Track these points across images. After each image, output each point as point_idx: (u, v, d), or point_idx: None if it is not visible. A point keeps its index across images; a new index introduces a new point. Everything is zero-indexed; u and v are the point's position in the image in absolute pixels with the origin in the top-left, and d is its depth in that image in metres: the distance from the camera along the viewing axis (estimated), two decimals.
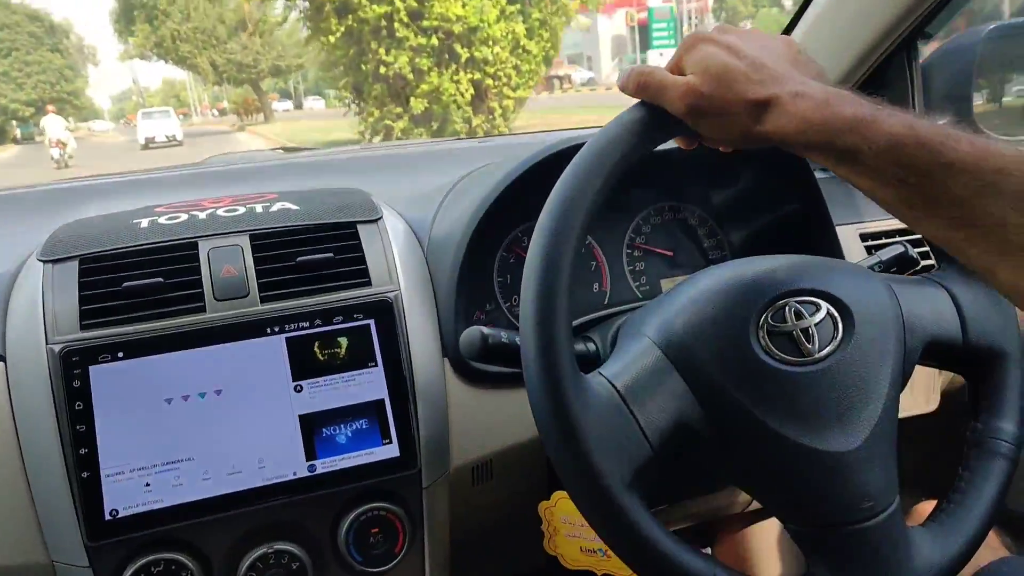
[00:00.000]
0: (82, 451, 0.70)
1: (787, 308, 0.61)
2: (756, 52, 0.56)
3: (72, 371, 0.71)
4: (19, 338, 0.73)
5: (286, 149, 1.33)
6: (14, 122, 38.39)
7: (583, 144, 0.84)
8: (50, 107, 17.47)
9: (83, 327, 0.73)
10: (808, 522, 0.60)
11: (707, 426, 0.59)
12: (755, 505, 1.05)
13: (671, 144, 0.65)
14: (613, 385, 0.59)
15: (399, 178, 1.09)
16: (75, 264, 0.76)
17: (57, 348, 0.71)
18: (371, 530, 0.77)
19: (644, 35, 30.65)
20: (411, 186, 1.02)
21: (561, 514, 0.86)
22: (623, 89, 0.61)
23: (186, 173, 1.19)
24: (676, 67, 0.60)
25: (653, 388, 0.59)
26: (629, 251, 1.03)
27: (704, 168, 1.02)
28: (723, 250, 1.06)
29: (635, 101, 0.61)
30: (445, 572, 0.86)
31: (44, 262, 0.77)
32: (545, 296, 0.56)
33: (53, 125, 16.25)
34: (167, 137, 24.24)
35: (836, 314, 0.61)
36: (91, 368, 0.71)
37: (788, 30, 1.13)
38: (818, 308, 0.61)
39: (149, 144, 23.66)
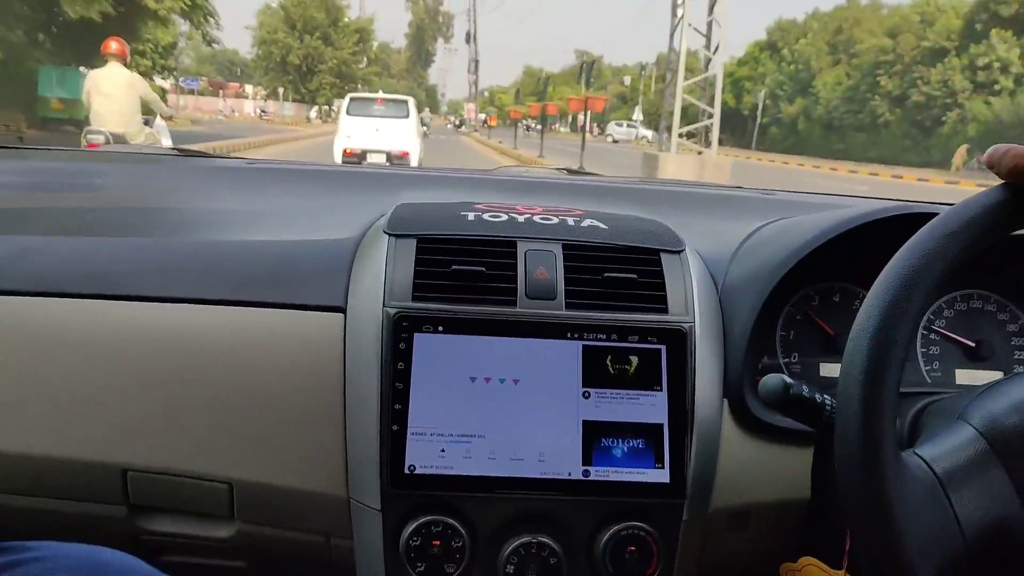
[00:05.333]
0: (396, 407, 0.77)
1: None
2: None
3: (401, 334, 0.78)
4: (361, 298, 0.82)
5: (569, 171, 1.40)
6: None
7: (911, 214, 0.83)
8: (113, 44, 6.27)
9: (415, 298, 0.80)
10: None
11: None
12: None
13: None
14: (931, 468, 0.56)
15: (684, 215, 1.10)
16: (414, 242, 0.85)
17: (392, 312, 0.79)
18: (628, 547, 0.78)
19: None
20: (697, 225, 1.03)
21: None
22: (991, 166, 0.58)
23: (483, 178, 1.28)
24: None
25: (975, 480, 0.55)
26: (925, 333, 0.97)
27: None
28: None
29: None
30: None
31: (389, 235, 0.86)
32: (876, 365, 0.54)
33: (105, 90, 6.25)
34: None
35: None
36: (416, 335, 0.79)
37: None
38: None
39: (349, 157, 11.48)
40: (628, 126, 51.03)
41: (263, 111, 46.03)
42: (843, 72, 38.05)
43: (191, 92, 47.43)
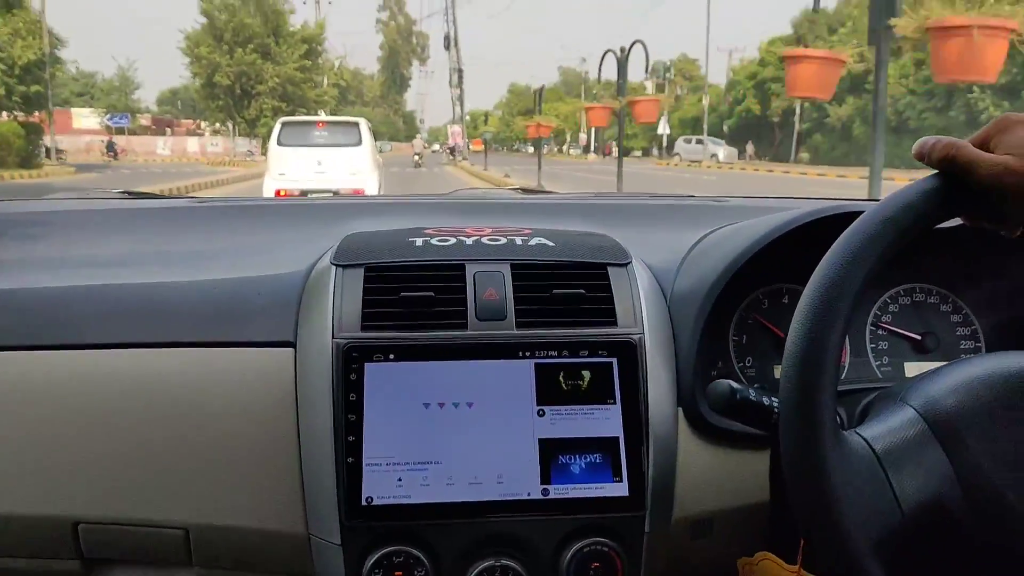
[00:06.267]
0: (350, 438, 0.83)
1: None
2: None
3: (351, 365, 0.84)
4: (311, 331, 0.88)
5: (524, 190, 1.53)
6: None
7: (850, 212, 0.94)
8: None
9: (363, 327, 0.86)
10: None
11: (965, 510, 0.62)
12: None
13: (952, 223, 0.69)
14: (871, 446, 0.63)
15: (636, 228, 1.19)
16: (361, 271, 0.91)
17: (342, 343, 0.85)
18: (592, 564, 0.84)
19: None
20: (649, 237, 1.12)
21: (761, 574, 0.89)
22: (919, 157, 0.66)
23: (436, 202, 1.39)
24: (983, 145, 0.64)
25: (913, 458, 0.63)
26: (873, 328, 1.06)
27: (967, 252, 1.04)
28: (977, 341, 1.07)
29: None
30: None
31: (336, 266, 0.92)
32: (817, 344, 0.61)
33: None
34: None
35: None
36: (367, 364, 0.85)
37: None
38: None
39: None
40: (697, 142, 40.67)
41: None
42: (910, 61, 29.04)
43: (120, 131, 43.60)
